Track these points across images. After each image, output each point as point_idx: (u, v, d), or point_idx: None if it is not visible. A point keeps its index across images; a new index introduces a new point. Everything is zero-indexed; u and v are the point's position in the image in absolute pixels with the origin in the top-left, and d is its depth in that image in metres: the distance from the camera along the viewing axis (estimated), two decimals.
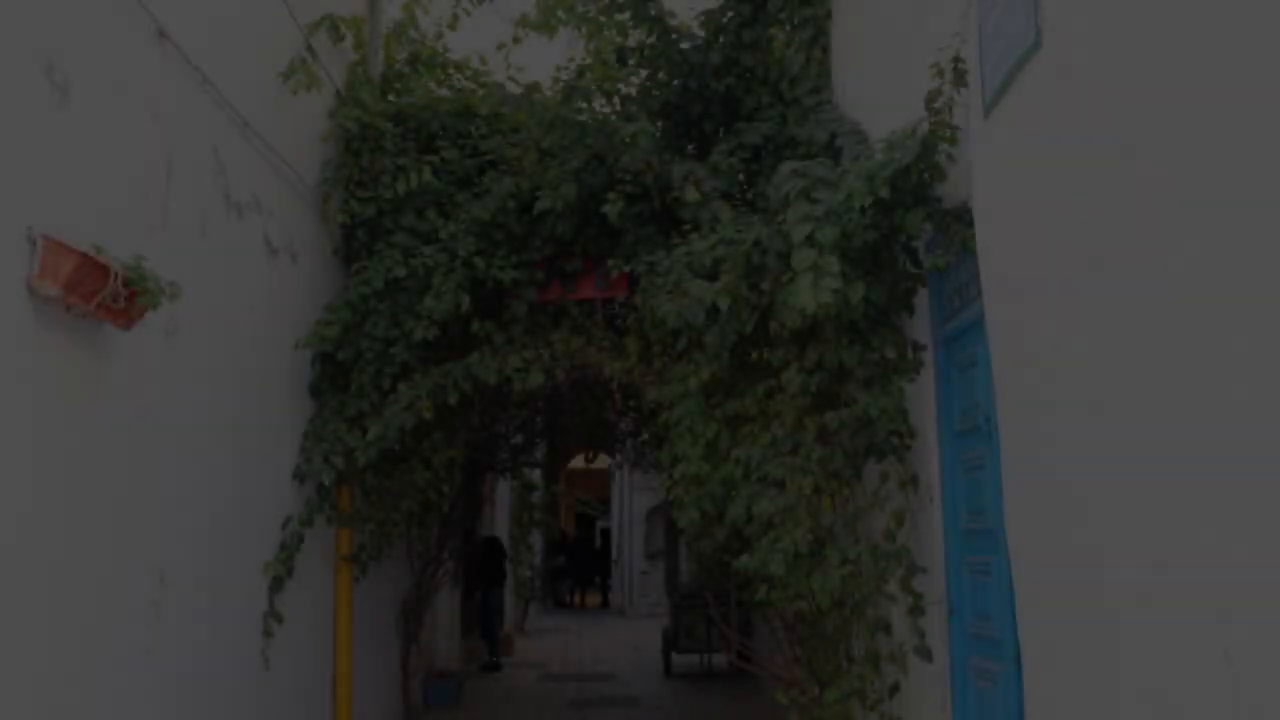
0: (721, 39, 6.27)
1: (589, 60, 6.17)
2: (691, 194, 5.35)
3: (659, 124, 6.30)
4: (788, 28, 6.20)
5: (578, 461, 19.09)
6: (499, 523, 13.58)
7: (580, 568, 22.63)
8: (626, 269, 5.88)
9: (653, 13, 6.14)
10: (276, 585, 5.36)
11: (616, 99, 6.43)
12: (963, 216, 3.88)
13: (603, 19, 6.07)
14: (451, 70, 7.52)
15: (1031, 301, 2.86)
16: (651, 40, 6.26)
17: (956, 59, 3.60)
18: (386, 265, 6.02)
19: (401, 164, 6.31)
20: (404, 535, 7.87)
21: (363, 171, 6.37)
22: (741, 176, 6.00)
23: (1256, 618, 1.87)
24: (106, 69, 3.72)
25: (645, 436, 10.33)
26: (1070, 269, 2.59)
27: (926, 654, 4.02)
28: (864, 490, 4.69)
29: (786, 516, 4.34)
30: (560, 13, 5.78)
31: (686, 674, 11.36)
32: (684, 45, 6.24)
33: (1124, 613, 2.36)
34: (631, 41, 6.43)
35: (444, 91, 7.34)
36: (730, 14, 6.32)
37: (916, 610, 4.07)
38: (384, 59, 7.32)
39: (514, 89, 6.02)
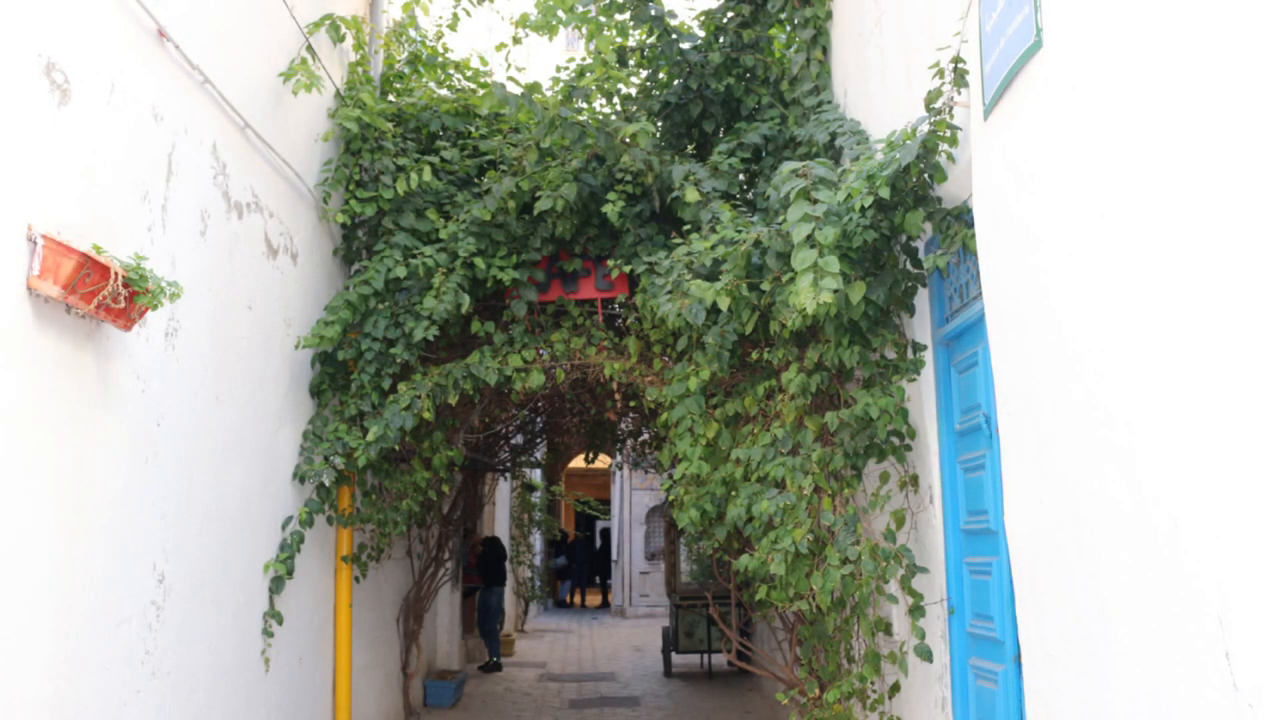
0: (721, 39, 6.28)
1: (589, 60, 6.17)
2: (691, 194, 5.36)
3: (659, 124, 6.31)
4: (788, 28, 6.21)
5: (578, 461, 19.11)
6: (499, 523, 13.59)
7: (580, 568, 22.65)
8: (626, 269, 5.88)
9: (653, 13, 6.15)
10: (276, 585, 5.36)
11: (616, 99, 6.43)
12: (963, 216, 3.89)
13: (603, 19, 6.07)
14: (451, 70, 7.53)
15: (1031, 301, 2.86)
16: (651, 40, 6.27)
17: (956, 59, 3.60)
18: (386, 265, 6.03)
19: (401, 164, 6.32)
20: (404, 535, 7.88)
21: (363, 171, 6.38)
22: (741, 176, 6.01)
23: (1256, 618, 1.87)
24: (106, 69, 3.72)
25: (645, 436, 10.35)
26: (1070, 268, 2.59)
27: (926, 654, 4.03)
28: (864, 490, 4.70)
29: (786, 516, 4.34)
30: (560, 13, 5.77)
31: (686, 674, 11.37)
32: (684, 45, 6.25)
33: (1123, 613, 2.36)
34: (631, 41, 6.44)
35: (444, 91, 7.35)
36: (730, 14, 6.34)
37: (916, 610, 4.08)
38: (384, 59, 7.33)
39: (514, 89, 6.01)
